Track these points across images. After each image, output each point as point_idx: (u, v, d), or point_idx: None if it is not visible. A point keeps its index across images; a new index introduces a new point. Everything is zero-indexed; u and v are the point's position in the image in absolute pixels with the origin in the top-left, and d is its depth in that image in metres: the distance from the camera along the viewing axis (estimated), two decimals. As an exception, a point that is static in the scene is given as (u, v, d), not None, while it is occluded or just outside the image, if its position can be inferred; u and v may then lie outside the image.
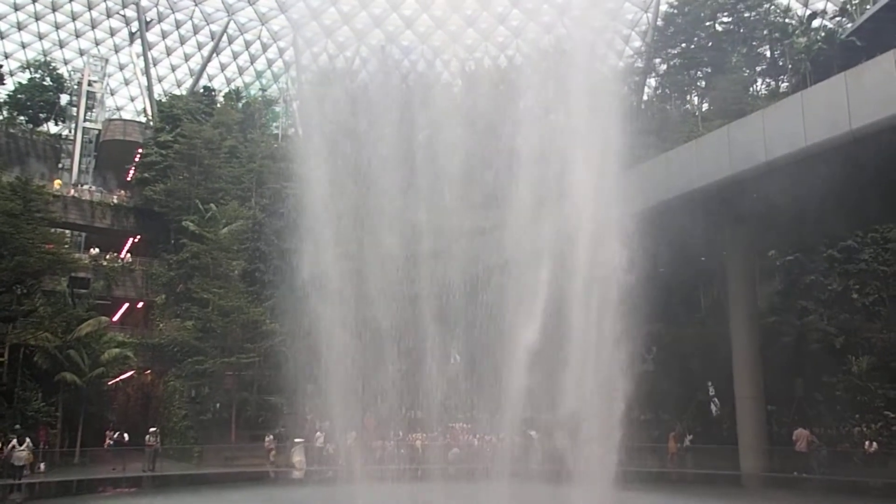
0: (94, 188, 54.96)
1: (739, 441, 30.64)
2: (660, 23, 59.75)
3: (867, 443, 31.80)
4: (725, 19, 55.47)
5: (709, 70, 55.04)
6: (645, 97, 62.80)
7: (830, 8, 58.84)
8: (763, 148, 24.53)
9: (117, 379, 43.17)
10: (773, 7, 56.91)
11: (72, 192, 52.30)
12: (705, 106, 56.28)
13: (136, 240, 53.81)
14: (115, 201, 53.27)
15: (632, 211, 29.13)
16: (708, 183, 26.97)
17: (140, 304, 50.66)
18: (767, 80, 56.29)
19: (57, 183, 53.34)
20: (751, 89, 54.23)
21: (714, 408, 41.38)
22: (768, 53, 55.55)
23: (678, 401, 40.20)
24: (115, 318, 48.16)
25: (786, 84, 54.14)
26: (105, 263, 48.65)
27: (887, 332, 37.17)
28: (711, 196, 27.37)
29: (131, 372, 44.87)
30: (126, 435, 39.38)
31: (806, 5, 61.19)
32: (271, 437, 37.77)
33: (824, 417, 36.19)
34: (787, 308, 39.14)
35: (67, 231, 51.21)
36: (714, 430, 38.25)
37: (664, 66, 59.14)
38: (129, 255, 51.76)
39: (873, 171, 23.83)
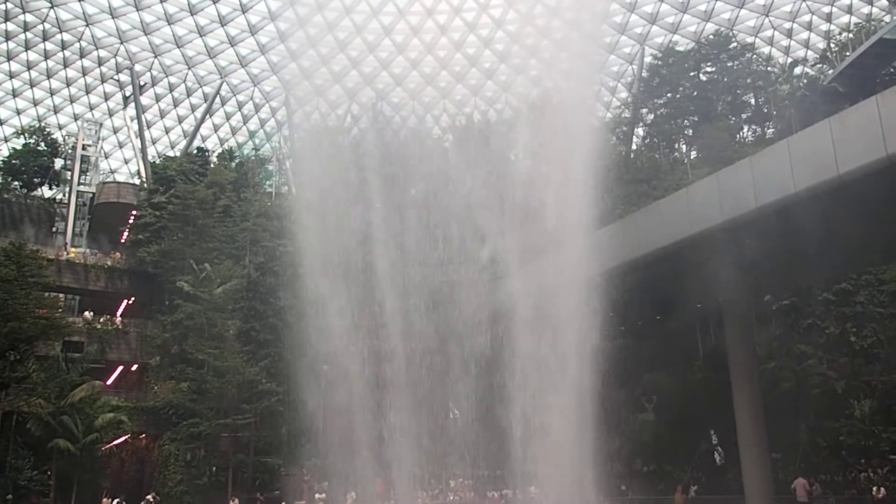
0: (88, 251, 54.91)
1: (745, 491, 30.15)
2: (645, 74, 60.85)
3: (874, 489, 31.32)
4: (709, 69, 56.52)
5: (695, 118, 55.84)
6: (634, 146, 63.60)
7: (811, 55, 60.23)
8: (753, 194, 24.72)
9: (111, 444, 42.46)
10: (754, 56, 58.13)
11: (66, 255, 52.27)
12: (694, 154, 56.95)
13: (130, 302, 53.58)
14: (109, 264, 53.17)
15: (625, 259, 29.38)
16: (699, 230, 27.08)
17: (134, 367, 50.16)
18: (753, 126, 57.12)
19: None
20: (737, 136, 54.97)
21: (718, 457, 40.79)
22: (753, 101, 56.49)
23: (681, 450, 39.68)
24: (110, 382, 47.61)
25: (772, 130, 54.97)
26: (99, 327, 48.33)
27: (887, 374, 37.01)
28: (704, 243, 27.46)
29: (126, 436, 44.16)
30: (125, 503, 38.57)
31: (787, 53, 62.65)
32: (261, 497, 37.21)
33: (829, 464, 35.74)
34: (786, 353, 39.00)
35: (61, 295, 50.96)
36: (719, 480, 37.65)
37: (651, 116, 60.01)
38: (122, 317, 51.45)
39: (864, 214, 24.04)
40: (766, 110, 55.58)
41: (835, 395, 36.17)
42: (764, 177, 24.45)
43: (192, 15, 62.91)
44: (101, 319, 49.23)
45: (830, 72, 51.23)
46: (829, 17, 59.62)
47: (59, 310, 45.31)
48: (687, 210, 28.30)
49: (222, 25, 64.60)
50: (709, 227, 26.51)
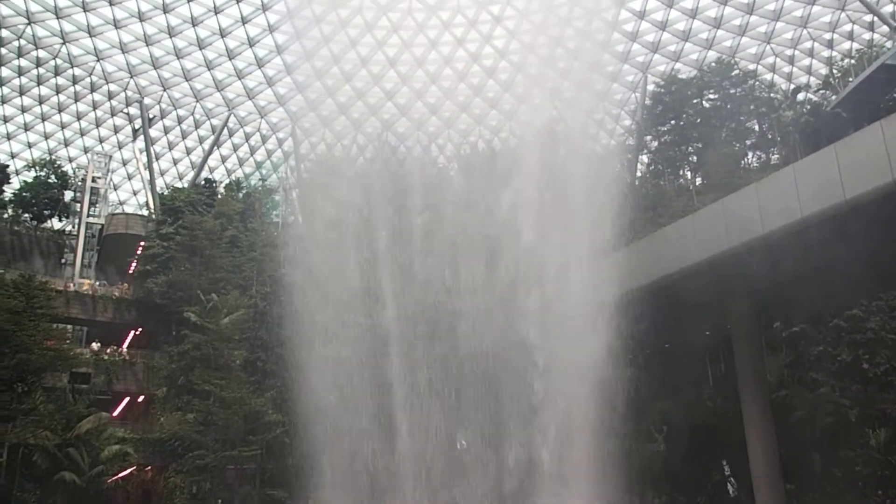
0: (96, 282, 55.10)
1: (759, 521, 29.71)
2: (648, 102, 61.23)
3: (891, 519, 30.80)
4: (712, 96, 56.84)
5: (699, 145, 56.01)
6: (638, 174, 63.78)
7: (814, 81, 60.54)
8: (759, 220, 24.72)
9: (117, 476, 42.12)
10: (757, 83, 58.47)
11: (75, 286, 52.44)
12: (699, 180, 57.04)
13: (137, 332, 53.55)
14: (117, 295, 53.30)
15: (631, 287, 29.29)
16: (706, 257, 27.05)
17: (141, 398, 49.95)
18: (758, 152, 57.27)
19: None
20: (742, 162, 55.09)
21: (731, 488, 40.18)
22: (756, 127, 56.69)
23: (693, 482, 39.11)
24: (116, 414, 47.40)
25: (776, 156, 55.06)
26: (106, 358, 48.28)
27: (902, 401, 36.52)
28: (711, 269, 27.40)
29: (131, 469, 43.81)
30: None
31: (790, 80, 62.98)
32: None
33: (846, 495, 35.07)
34: (797, 381, 38.58)
35: (69, 326, 51.03)
36: (732, 511, 37.12)
37: (655, 143, 60.27)
38: (130, 348, 51.40)
39: (872, 239, 23.96)
40: (770, 136, 55.73)
41: (849, 424, 35.61)
42: (770, 203, 24.47)
43: (200, 49, 63.78)
44: (108, 350, 49.22)
45: (834, 97, 51.43)
46: (830, 44, 60.03)
47: (67, 341, 45.35)
48: (693, 236, 28.31)
49: (230, 59, 65.43)
50: (715, 253, 26.49)
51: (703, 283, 28.42)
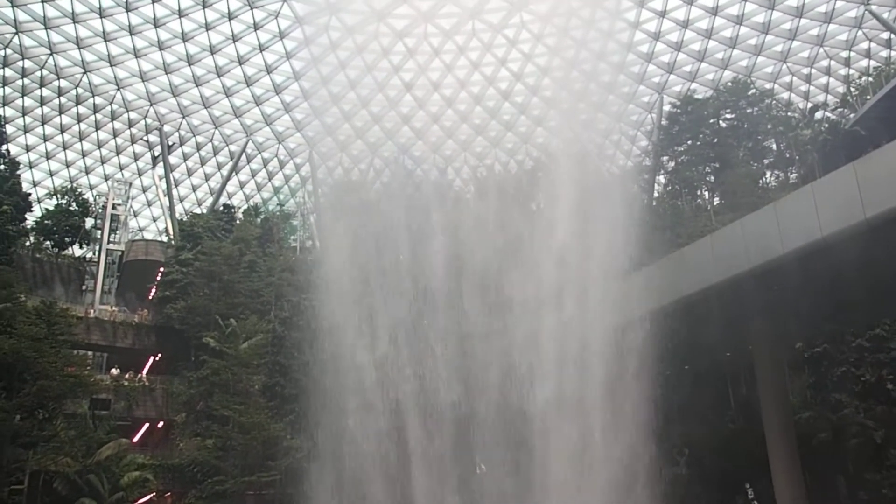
0: (116, 308, 55.61)
1: (785, 547, 29.10)
2: (664, 122, 61.18)
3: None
4: (729, 116, 56.70)
5: (717, 165, 55.80)
6: (656, 194, 63.58)
7: (831, 100, 60.23)
8: (779, 240, 24.45)
9: (137, 503, 42.17)
10: (774, 102, 58.28)
11: (96, 312, 52.98)
12: (717, 200, 56.73)
13: (156, 358, 53.88)
14: (137, 321, 53.73)
15: (650, 308, 29.05)
16: (725, 277, 26.76)
17: (160, 424, 50.12)
18: (776, 172, 56.92)
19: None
20: (760, 182, 54.75)
21: (755, 512, 39.47)
22: (774, 146, 56.40)
23: (716, 505, 38.48)
24: (136, 440, 47.57)
25: (794, 175, 54.70)
26: (126, 384, 48.57)
27: (928, 422, 35.81)
28: (730, 290, 27.12)
29: (151, 495, 43.81)
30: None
31: (807, 98, 62.70)
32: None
33: (872, 518, 34.38)
34: (820, 402, 37.98)
35: (90, 352, 51.44)
36: (757, 536, 36.38)
37: (672, 164, 60.11)
38: (149, 374, 51.71)
39: (894, 258, 23.64)
40: (788, 155, 55.40)
41: (874, 446, 34.96)
42: (789, 222, 24.21)
43: (219, 77, 64.70)
44: (128, 376, 49.52)
45: (852, 116, 51.12)
46: (847, 62, 59.77)
47: (88, 367, 45.67)
48: (712, 257, 28.04)
49: (248, 86, 66.29)
50: (735, 273, 26.19)
51: (723, 303, 28.12)
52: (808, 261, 23.85)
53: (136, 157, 72.64)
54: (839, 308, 29.47)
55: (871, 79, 53.51)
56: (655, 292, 29.22)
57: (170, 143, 69.14)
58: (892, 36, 55.03)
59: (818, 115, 56.35)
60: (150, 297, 56.84)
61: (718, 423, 40.25)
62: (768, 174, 56.92)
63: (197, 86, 65.42)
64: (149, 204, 76.92)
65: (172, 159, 70.74)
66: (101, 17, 56.42)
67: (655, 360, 27.50)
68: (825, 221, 22.75)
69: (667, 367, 37.00)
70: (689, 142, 57.10)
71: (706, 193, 59.12)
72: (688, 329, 30.68)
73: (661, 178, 64.21)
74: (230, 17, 58.77)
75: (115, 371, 49.75)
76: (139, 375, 50.78)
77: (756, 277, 25.74)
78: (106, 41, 59.00)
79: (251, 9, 58.30)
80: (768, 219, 25.47)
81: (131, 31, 58.40)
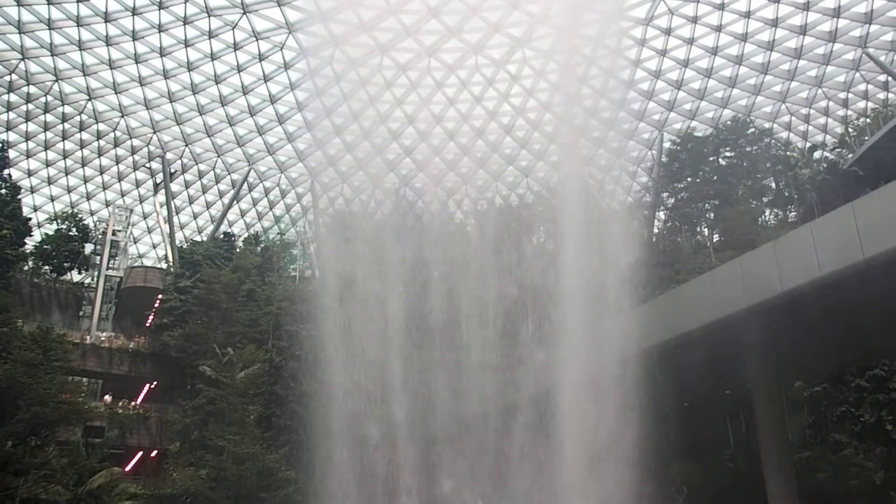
0: (113, 335, 55.42)
1: (785, 590, 28.69)
2: (664, 159, 61.61)
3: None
4: (728, 154, 57.14)
5: (716, 202, 56.09)
6: (655, 230, 63.78)
7: (830, 140, 60.75)
8: (778, 279, 24.53)
9: (127, 533, 41.62)
10: (773, 141, 58.78)
11: (92, 338, 52.76)
12: (716, 237, 56.91)
13: (152, 386, 53.56)
14: (133, 347, 53.51)
15: (649, 344, 29.02)
16: (725, 315, 26.79)
17: (154, 453, 49.66)
18: (775, 210, 57.20)
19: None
20: (760, 220, 55.00)
21: (754, 553, 38.95)
22: (773, 185, 56.76)
23: (714, 546, 38.01)
24: (128, 468, 47.10)
25: (794, 214, 54.96)
26: (120, 411, 48.22)
27: (928, 464, 35.55)
28: (730, 327, 27.12)
29: (142, 525, 43.30)
30: None
31: (805, 138, 63.23)
32: None
33: (872, 561, 33.96)
34: (819, 442, 37.72)
35: (84, 379, 51.14)
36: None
37: (672, 200, 60.40)
38: (144, 401, 51.37)
39: (892, 298, 23.69)
40: (787, 194, 55.72)
41: (873, 487, 34.71)
42: (788, 261, 24.32)
43: (223, 106, 65.23)
44: (121, 403, 49.18)
45: (850, 156, 51.54)
46: (845, 103, 60.40)
47: (82, 394, 45.34)
48: (711, 294, 28.10)
49: (251, 115, 66.81)
50: (734, 311, 26.24)
51: (722, 341, 28.12)
52: (807, 300, 23.91)
53: (137, 184, 72.92)
54: (838, 347, 29.45)
55: (868, 120, 54.08)
56: (654, 328, 29.22)
57: (172, 171, 69.46)
58: (890, 78, 55.70)
59: (817, 154, 56.80)
60: (148, 325, 56.68)
61: (717, 461, 39.92)
62: (768, 212, 57.22)
63: (201, 114, 65.92)
64: (149, 231, 77.05)
65: (174, 187, 71.04)
66: (107, 46, 57.03)
67: (653, 397, 27.41)
68: (824, 261, 22.85)
69: (665, 404, 36.88)
70: (689, 179, 57.46)
71: (706, 230, 59.34)
72: (686, 366, 30.62)
73: (661, 215, 64.51)
74: (236, 47, 59.43)
75: (107, 398, 49.42)
76: (134, 403, 50.41)
77: (755, 315, 25.78)
78: (112, 69, 59.56)
79: (257, 40, 59.00)
80: (767, 257, 25.60)
81: (137, 59, 59.01)
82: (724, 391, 37.78)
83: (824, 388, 38.24)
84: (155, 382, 53.22)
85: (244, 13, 55.62)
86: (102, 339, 54.26)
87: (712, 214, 57.05)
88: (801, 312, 24.83)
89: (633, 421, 26.94)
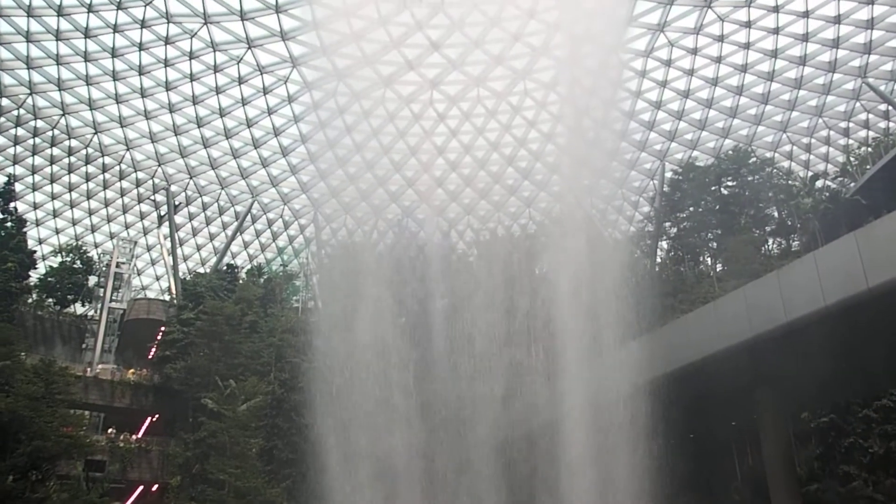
0: (114, 367, 55.31)
1: None
2: (666, 189, 61.77)
3: None
4: (730, 183, 57.33)
5: (719, 232, 56.10)
6: (658, 260, 63.71)
7: (831, 169, 60.92)
8: (782, 308, 24.38)
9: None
10: (775, 170, 58.96)
11: (94, 371, 52.63)
12: (719, 266, 56.83)
13: (154, 419, 53.25)
14: (135, 380, 53.33)
15: (653, 375, 28.77)
16: (729, 345, 26.59)
17: (155, 487, 49.20)
18: (778, 239, 57.15)
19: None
20: (763, 249, 54.92)
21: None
22: (776, 214, 56.80)
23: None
24: (129, 503, 46.63)
25: (797, 243, 54.91)
26: (121, 445, 47.89)
27: (939, 496, 34.99)
28: (734, 358, 26.90)
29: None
30: None
31: (807, 167, 63.43)
32: None
33: None
34: (828, 474, 37.20)
35: (86, 412, 50.87)
36: None
37: (674, 230, 60.45)
38: (146, 434, 51.05)
39: (898, 328, 23.52)
40: (789, 223, 55.73)
41: (884, 520, 34.16)
42: (792, 291, 24.19)
43: (227, 139, 65.75)
44: (122, 436, 48.87)
45: (852, 185, 51.62)
46: (846, 132, 60.69)
47: (84, 427, 45.10)
48: (715, 324, 27.91)
49: (255, 148, 67.31)
50: (738, 341, 26.04)
51: (727, 371, 27.86)
52: (812, 329, 23.73)
53: (142, 216, 73.28)
54: (844, 377, 29.15)
55: (870, 149, 54.28)
56: (658, 359, 29.00)
57: (176, 203, 69.81)
58: (890, 108, 56.01)
59: (819, 183, 56.93)
60: (150, 357, 56.55)
61: (724, 494, 39.37)
62: (771, 241, 57.15)
63: (205, 147, 66.44)
64: (153, 263, 77.23)
65: (178, 219, 71.33)
66: (114, 80, 57.69)
67: (658, 429, 27.12)
68: (828, 290, 22.73)
69: (671, 437, 36.47)
70: (692, 208, 57.57)
71: (709, 260, 59.29)
72: (691, 397, 30.35)
73: (664, 244, 64.50)
74: (240, 81, 60.07)
75: (111, 431, 49.12)
76: (135, 436, 50.09)
77: (760, 345, 25.58)
78: (118, 103, 60.18)
79: (261, 74, 59.64)
80: (771, 287, 25.46)
81: (143, 93, 59.64)
82: (730, 422, 37.39)
83: (832, 418, 37.80)
84: (157, 415, 52.95)
85: (249, 48, 56.30)
86: (100, 369, 54.05)
87: (715, 244, 57.05)
88: (807, 342, 24.61)
89: (637, 453, 26.64)
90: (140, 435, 51.17)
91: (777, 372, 28.37)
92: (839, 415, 37.69)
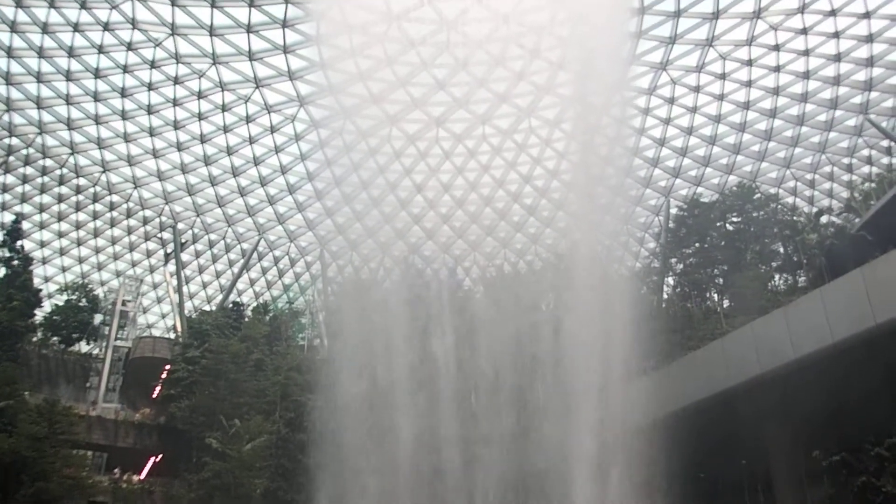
0: (119, 406, 55.05)
1: None
2: (671, 225, 61.81)
3: None
4: (735, 219, 57.32)
5: (725, 268, 55.95)
6: (665, 296, 63.47)
7: (836, 204, 60.92)
8: (790, 345, 24.28)
9: None
10: (779, 206, 59.00)
11: (97, 411, 52.37)
12: (726, 302, 56.57)
13: (157, 459, 52.77)
14: (139, 419, 53.01)
15: (662, 413, 28.51)
16: (738, 382, 26.43)
17: (157, 529, 48.57)
18: (784, 275, 56.93)
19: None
20: (769, 285, 54.67)
21: None
22: (781, 250, 56.66)
23: None
24: (131, 545, 46.03)
25: (803, 278, 54.66)
26: (125, 486, 47.40)
27: (955, 536, 34.22)
28: (743, 395, 26.71)
29: None
30: None
31: (811, 203, 63.48)
32: None
33: None
34: (840, 513, 36.48)
35: (89, 452, 50.49)
36: None
37: (680, 266, 60.31)
38: (149, 475, 50.56)
39: (908, 365, 23.32)
40: (795, 259, 55.55)
41: (899, 561, 33.36)
42: (800, 327, 24.12)
43: (234, 177, 66.25)
44: (125, 477, 48.41)
45: (857, 220, 51.53)
46: (849, 168, 60.86)
47: (87, 468, 44.74)
48: (723, 361, 27.79)
49: (262, 186, 67.75)
50: (747, 378, 25.92)
51: (736, 408, 27.63)
52: (821, 366, 23.60)
53: (148, 254, 73.57)
54: (855, 414, 28.82)
55: (873, 185, 54.30)
56: (667, 396, 28.78)
57: (182, 241, 70.11)
58: (892, 143, 56.20)
59: (824, 219, 56.88)
60: (155, 396, 56.27)
61: (736, 535, 38.66)
62: (777, 277, 56.92)
63: (213, 185, 66.91)
64: (158, 300, 77.31)
65: (184, 256, 71.59)
66: (122, 119, 58.40)
67: (667, 469, 26.77)
68: (836, 327, 22.66)
69: (680, 476, 35.94)
70: (697, 244, 57.52)
71: (715, 296, 59.02)
72: (701, 435, 30.02)
73: (670, 280, 64.32)
74: (248, 120, 60.72)
75: (115, 472, 48.69)
76: (138, 477, 49.61)
77: (768, 382, 25.43)
78: (126, 142, 60.84)
79: (269, 113, 60.28)
80: (778, 323, 25.40)
81: (152, 132, 60.28)
82: (740, 461, 36.88)
83: (843, 457, 37.14)
84: (160, 455, 52.46)
85: (257, 87, 57.03)
86: (104, 408, 53.80)
87: (721, 280, 56.84)
88: (815, 379, 24.44)
89: (646, 493, 26.27)
90: (143, 475, 50.65)
91: (786, 409, 28.10)
92: (851, 453, 37.05)
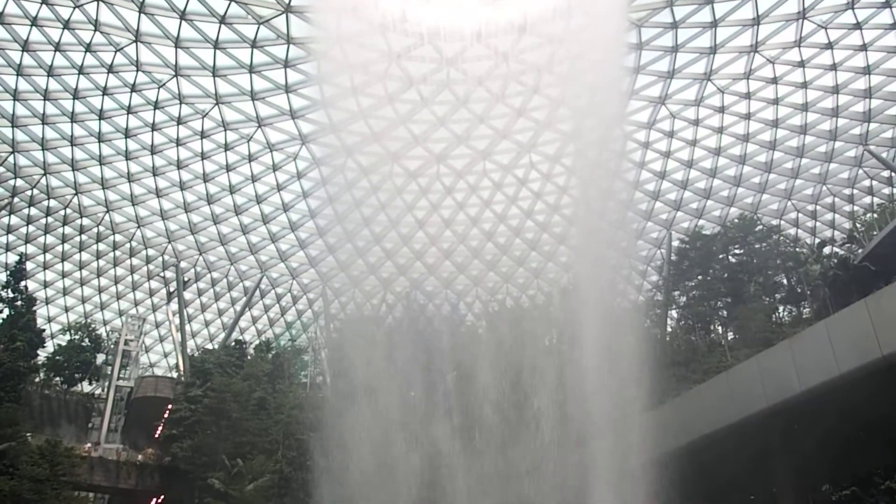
0: (120, 447, 54.57)
1: None
2: (674, 257, 61.80)
3: None
4: (737, 251, 57.37)
5: (728, 300, 55.83)
6: (668, 329, 63.21)
7: (838, 235, 60.94)
8: (796, 377, 24.08)
9: None
10: (782, 238, 59.02)
11: (99, 451, 51.91)
12: (730, 335, 56.31)
13: (159, 500, 52.16)
14: (141, 460, 52.51)
15: (668, 448, 28.19)
16: (744, 416, 26.16)
17: (159, 572, 47.86)
18: (788, 306, 56.77)
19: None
20: (773, 316, 54.50)
21: None
22: (785, 281, 56.59)
23: None
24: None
25: (807, 310, 54.50)
26: (125, 528, 46.82)
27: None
28: (750, 428, 26.40)
29: None
30: None
31: (814, 234, 63.50)
32: None
33: None
34: (853, 549, 35.94)
35: (91, 494, 49.97)
36: None
37: (683, 298, 60.17)
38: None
39: (916, 397, 23.11)
40: (799, 290, 55.46)
41: None
42: (806, 359, 23.94)
43: (237, 215, 66.53)
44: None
45: (860, 251, 51.54)
46: (851, 199, 60.97)
47: (87, 510, 44.27)
48: (729, 395, 27.55)
49: (265, 224, 68.00)
50: (753, 412, 25.64)
51: (743, 442, 27.32)
52: (828, 398, 23.37)
53: (151, 293, 73.60)
54: (864, 447, 28.48)
55: (875, 215, 54.39)
56: (673, 431, 28.48)
57: (185, 279, 70.17)
58: (893, 174, 56.41)
59: (826, 250, 56.88)
60: (157, 436, 55.81)
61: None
62: (781, 309, 56.75)
63: (215, 223, 67.18)
64: (161, 339, 77.14)
65: (187, 295, 71.58)
66: (126, 160, 58.88)
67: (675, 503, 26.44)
68: (842, 358, 22.49)
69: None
70: (700, 277, 57.47)
71: (720, 328, 58.80)
72: (707, 470, 29.65)
73: (674, 313, 64.11)
74: (250, 159, 61.18)
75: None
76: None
77: (775, 415, 25.18)
78: (130, 182, 61.24)
79: (271, 151, 60.75)
80: (784, 356, 25.21)
81: (154, 172, 60.71)
82: (748, 496, 36.40)
83: (853, 491, 36.74)
84: (162, 496, 51.87)
85: (259, 126, 57.55)
86: (110, 450, 53.34)
87: (725, 312, 56.67)
88: (823, 411, 24.19)
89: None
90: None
91: (794, 442, 27.78)
92: (861, 487, 36.64)
